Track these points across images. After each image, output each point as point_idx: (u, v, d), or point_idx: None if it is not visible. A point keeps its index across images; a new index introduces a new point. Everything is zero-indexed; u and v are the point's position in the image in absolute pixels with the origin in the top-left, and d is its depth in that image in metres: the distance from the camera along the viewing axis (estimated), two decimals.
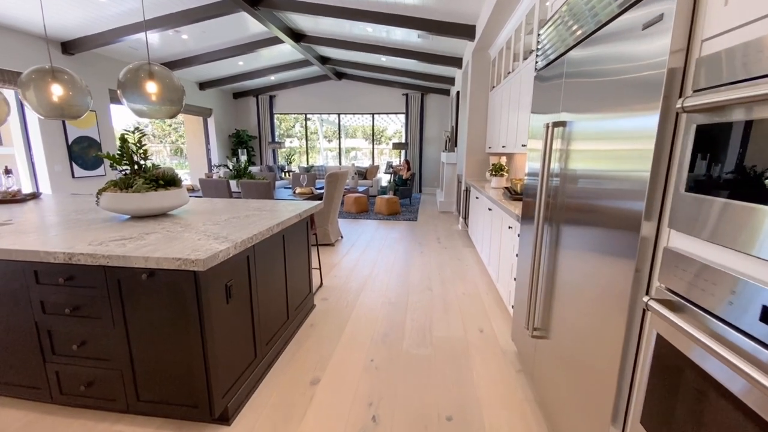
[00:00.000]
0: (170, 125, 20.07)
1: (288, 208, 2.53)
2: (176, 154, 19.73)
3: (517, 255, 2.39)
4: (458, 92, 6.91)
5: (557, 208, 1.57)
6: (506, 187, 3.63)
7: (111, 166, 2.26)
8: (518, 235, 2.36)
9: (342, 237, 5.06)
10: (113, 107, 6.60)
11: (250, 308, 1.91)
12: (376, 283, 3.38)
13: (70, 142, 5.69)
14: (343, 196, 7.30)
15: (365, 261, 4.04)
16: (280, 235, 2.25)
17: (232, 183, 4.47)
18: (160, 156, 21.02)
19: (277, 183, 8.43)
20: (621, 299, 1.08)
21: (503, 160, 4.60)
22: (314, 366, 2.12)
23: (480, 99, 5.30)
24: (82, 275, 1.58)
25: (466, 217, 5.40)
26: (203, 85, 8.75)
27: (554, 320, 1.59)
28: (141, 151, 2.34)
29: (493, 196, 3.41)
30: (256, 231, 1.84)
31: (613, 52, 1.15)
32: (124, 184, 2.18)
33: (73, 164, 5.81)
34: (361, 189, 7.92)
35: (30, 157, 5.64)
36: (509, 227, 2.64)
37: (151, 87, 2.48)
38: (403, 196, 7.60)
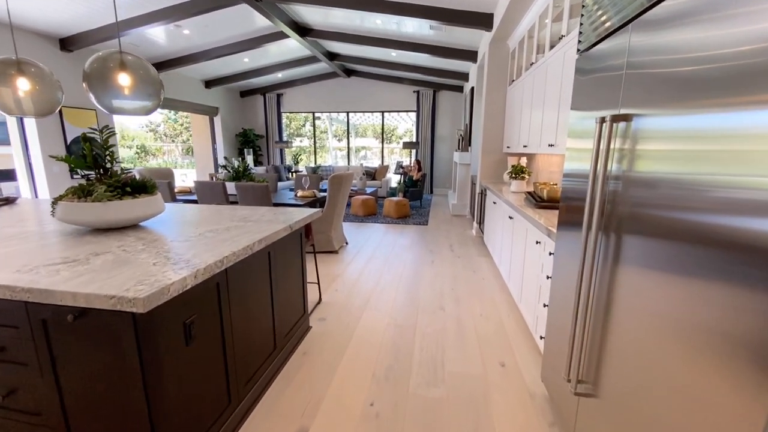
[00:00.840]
0: (182, 124, 20.09)
1: (279, 218, 2.17)
2: (188, 154, 19.74)
3: (548, 277, 1.98)
4: (473, 88, 6.48)
5: (618, 217, 1.16)
6: (529, 192, 3.21)
7: (71, 170, 1.94)
8: (550, 254, 1.95)
9: (347, 243, 4.70)
10: None
11: (221, 346, 1.55)
12: (381, 300, 3.00)
13: (68, 142, 5.46)
14: (350, 198, 6.95)
15: (370, 272, 3.67)
16: (264, 253, 1.90)
17: (230, 185, 4.15)
18: (172, 155, 21.10)
19: (282, 185, 8.13)
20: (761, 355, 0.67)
21: (523, 161, 4.17)
22: (302, 411, 1.76)
23: (497, 94, 4.86)
24: (2, 311, 1.25)
25: (481, 222, 4.98)
26: (209, 84, 8.50)
27: (609, 373, 1.19)
28: (107, 152, 2.01)
29: (513, 201, 2.99)
30: (229, 251, 1.49)
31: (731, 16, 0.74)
32: (83, 192, 1.85)
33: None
34: (369, 190, 7.55)
35: (27, 158, 5.45)
36: (537, 242, 2.23)
37: (123, 79, 2.15)
38: (413, 198, 7.21)
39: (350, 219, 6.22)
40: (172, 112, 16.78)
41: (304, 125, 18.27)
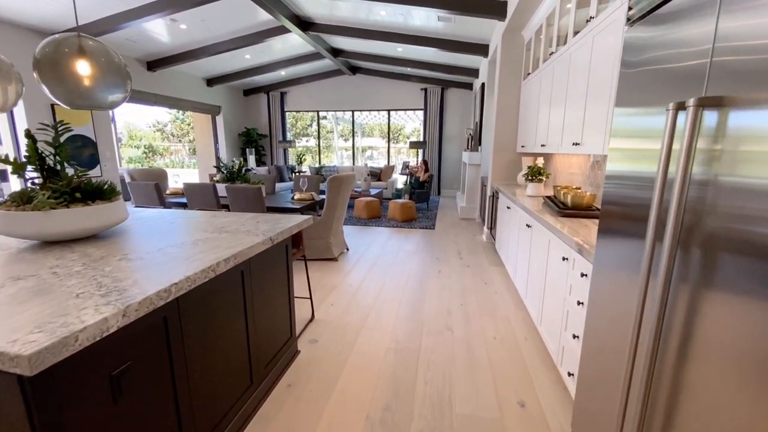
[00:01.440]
0: (189, 124, 20.00)
1: (260, 228, 1.86)
2: (194, 154, 19.63)
3: (580, 303, 1.63)
4: (483, 84, 6.10)
5: (707, 232, 0.82)
6: (548, 197, 2.85)
7: (14, 173, 1.65)
8: (582, 275, 1.60)
9: (347, 249, 4.38)
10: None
11: (171, 394, 1.24)
12: (381, 317, 2.67)
13: (61, 141, 5.23)
14: (353, 199, 6.63)
15: (371, 283, 3.35)
16: (236, 272, 1.58)
17: (220, 188, 3.86)
18: (179, 155, 21.05)
19: (282, 186, 7.83)
20: None
21: (540, 161, 3.80)
22: None
23: (510, 90, 4.49)
24: None
25: (492, 227, 4.62)
26: (211, 82, 8.26)
27: None
28: (56, 153, 1.72)
29: (531, 207, 2.64)
30: (181, 276, 1.17)
31: None
32: (22, 199, 1.56)
33: (65, 165, 5.37)
34: (373, 192, 7.23)
35: (19, 158, 5.24)
36: (564, 258, 1.88)
37: (82, 67, 1.86)
38: (419, 200, 6.86)
39: (353, 222, 5.91)
40: (180, 111, 16.66)
41: (310, 125, 18.04)
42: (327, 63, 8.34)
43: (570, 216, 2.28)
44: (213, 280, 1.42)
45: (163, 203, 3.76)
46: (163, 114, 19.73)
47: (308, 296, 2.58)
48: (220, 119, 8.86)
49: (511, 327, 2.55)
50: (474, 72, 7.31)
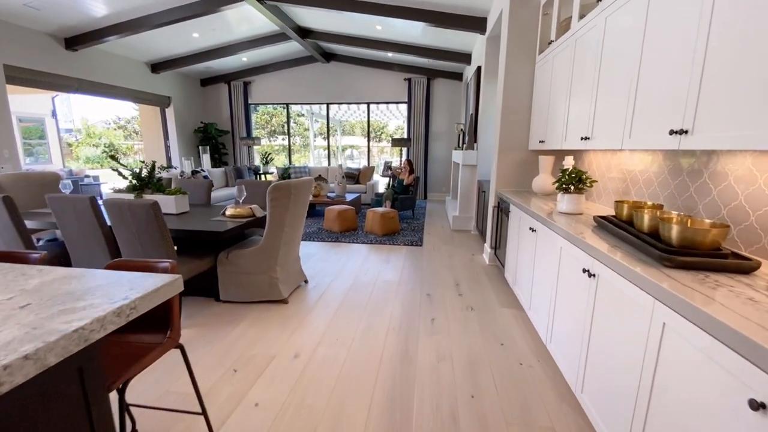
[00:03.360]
0: None
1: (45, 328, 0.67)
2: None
3: None
4: (479, 69, 5.02)
5: None
6: (604, 218, 1.77)
7: None
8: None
9: (306, 282, 3.20)
10: (24, 92, 4.65)
11: None
12: (339, 429, 1.52)
13: None
14: (326, 207, 5.44)
15: (331, 347, 2.19)
16: None
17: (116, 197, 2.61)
18: (144, 154, 19.27)
19: (225, 194, 6.54)
20: None
21: (569, 161, 2.71)
22: None
23: (520, 70, 3.40)
24: None
25: (497, 246, 3.53)
26: (156, 67, 6.90)
27: None
28: None
29: (576, 234, 1.54)
30: None
31: None
32: None
33: None
34: (350, 197, 6.06)
35: None
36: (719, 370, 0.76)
37: None
38: (403, 207, 5.73)
39: (321, 237, 4.73)
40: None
41: (287, 122, 16.67)
42: (296, 48, 7.11)
43: (689, 267, 1.19)
44: None
45: (20, 228, 2.48)
46: (126, 108, 17.91)
47: (200, 410, 1.40)
48: (170, 112, 7.50)
49: None
50: (465, 57, 6.22)
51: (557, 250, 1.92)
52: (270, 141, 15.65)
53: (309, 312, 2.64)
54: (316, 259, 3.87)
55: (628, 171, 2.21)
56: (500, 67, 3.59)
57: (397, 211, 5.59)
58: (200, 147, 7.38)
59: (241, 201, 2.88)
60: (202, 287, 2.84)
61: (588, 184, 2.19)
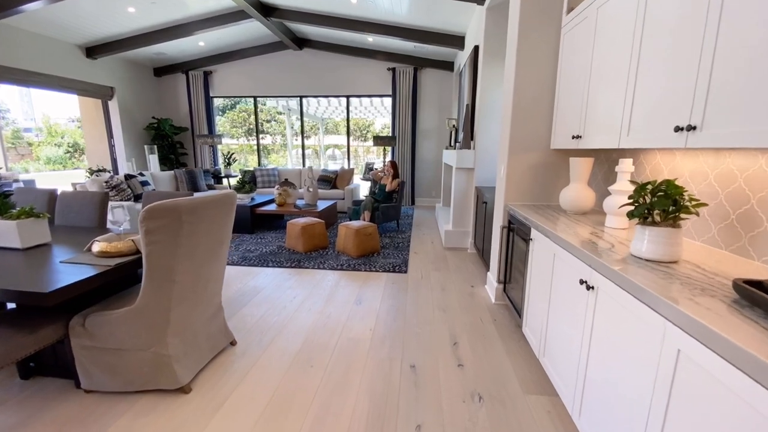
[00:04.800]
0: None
1: None
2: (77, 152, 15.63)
3: None
4: (476, 50, 4.04)
5: None
6: (751, 283, 0.80)
7: None
8: None
9: (233, 343, 2.17)
10: None
11: None
12: None
13: None
14: (287, 222, 4.40)
15: None
16: None
17: None
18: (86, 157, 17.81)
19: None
20: None
21: (626, 167, 1.74)
22: None
23: (539, 40, 2.43)
24: None
25: (507, 280, 2.56)
26: (93, 51, 5.74)
27: None
28: None
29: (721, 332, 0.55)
30: None
31: None
32: None
33: None
34: (323, 205, 5.03)
35: None
36: None
37: None
38: (386, 218, 4.73)
39: (281, 259, 3.69)
40: None
41: (270, 120, 15.50)
42: (262, 32, 6.04)
43: None
44: None
45: None
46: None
47: None
48: (114, 105, 6.34)
49: None
50: (458, 41, 5.25)
51: (668, 350, 0.94)
52: (248, 140, 14.51)
53: (219, 408, 1.62)
54: (264, 295, 2.84)
55: (753, 185, 1.25)
56: (510, 41, 2.62)
57: (378, 224, 4.60)
58: (146, 147, 6.23)
59: (121, 229, 1.83)
60: (58, 365, 1.80)
61: (691, 209, 1.22)
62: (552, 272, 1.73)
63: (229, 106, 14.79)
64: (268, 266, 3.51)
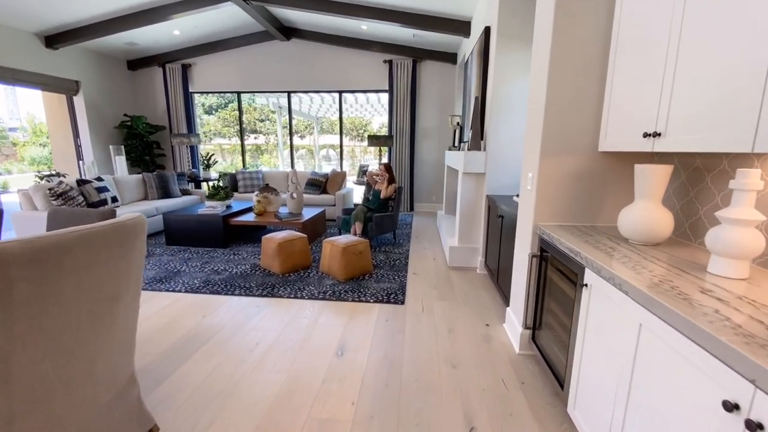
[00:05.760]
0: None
1: None
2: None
3: None
4: (487, 31, 3.38)
5: None
6: None
7: None
8: None
9: (154, 430, 1.50)
10: None
11: None
12: None
13: None
14: (262, 237, 3.74)
15: None
16: None
17: None
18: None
19: (142, 209, 4.77)
20: None
21: (755, 183, 1.08)
22: None
23: (584, 3, 1.76)
24: None
25: (537, 326, 1.90)
26: (53, 41, 5.06)
27: None
28: None
29: None
30: None
31: None
32: None
33: None
34: (309, 214, 4.36)
35: None
36: None
37: None
38: (381, 229, 4.07)
39: (251, 284, 3.03)
40: None
41: (263, 120, 14.80)
42: (246, 21, 5.37)
43: None
44: None
45: None
46: None
47: None
48: (79, 101, 5.66)
49: None
50: (463, 27, 4.58)
51: None
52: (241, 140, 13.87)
53: None
54: (220, 340, 2.17)
55: None
56: (541, 11, 1.95)
57: (371, 237, 3.94)
58: (112, 147, 5.54)
59: None
60: None
61: None
62: (636, 353, 1.07)
63: (223, 105, 14.10)
64: (234, 293, 2.84)
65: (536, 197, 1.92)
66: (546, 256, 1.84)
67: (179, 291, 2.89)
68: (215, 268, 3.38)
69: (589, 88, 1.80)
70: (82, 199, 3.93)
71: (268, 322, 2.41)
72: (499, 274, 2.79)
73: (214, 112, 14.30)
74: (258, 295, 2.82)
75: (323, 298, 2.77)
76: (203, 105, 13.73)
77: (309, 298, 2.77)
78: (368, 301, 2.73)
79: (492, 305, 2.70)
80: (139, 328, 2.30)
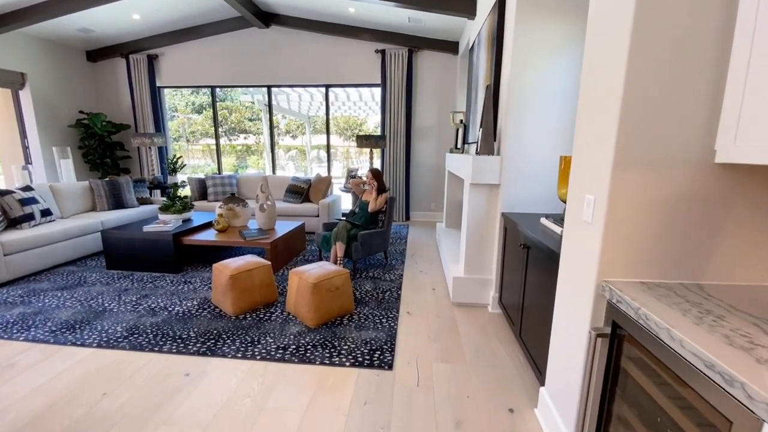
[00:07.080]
0: None
1: None
2: None
3: None
4: (502, 5, 2.60)
5: None
6: None
7: None
8: None
9: None
10: None
11: None
12: None
13: None
14: (213, 264, 2.98)
15: None
16: None
17: None
18: None
19: (87, 225, 3.91)
20: None
21: None
22: None
23: None
24: None
25: (605, 418, 1.13)
26: None
27: None
28: None
29: None
30: None
31: None
32: None
33: None
34: (285, 229, 3.58)
35: None
36: None
37: None
38: (367, 250, 3.29)
39: (190, 334, 2.25)
40: None
41: (253, 119, 13.98)
42: (217, 4, 4.58)
43: None
44: None
45: None
46: None
47: None
48: (26, 96, 4.87)
49: None
50: (467, 7, 3.81)
51: None
52: (230, 140, 13.07)
53: None
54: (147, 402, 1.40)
55: None
56: None
57: (357, 260, 3.18)
58: (55, 149, 4.74)
59: None
60: None
61: None
62: None
63: (220, 103, 13.28)
64: (162, 349, 2.06)
65: (603, 235, 1.15)
66: (621, 334, 1.08)
67: (91, 345, 2.11)
68: (153, 305, 2.60)
69: (698, 65, 1.03)
70: (0, 214, 3.14)
71: (194, 402, 1.64)
72: (522, 321, 2.03)
73: (204, 110, 13.48)
74: (194, 353, 2.04)
75: (281, 359, 1.99)
76: (193, 104, 12.94)
77: (262, 359, 1.99)
78: (343, 364, 1.95)
79: (514, 370, 1.93)
80: (4, 413, 1.52)
